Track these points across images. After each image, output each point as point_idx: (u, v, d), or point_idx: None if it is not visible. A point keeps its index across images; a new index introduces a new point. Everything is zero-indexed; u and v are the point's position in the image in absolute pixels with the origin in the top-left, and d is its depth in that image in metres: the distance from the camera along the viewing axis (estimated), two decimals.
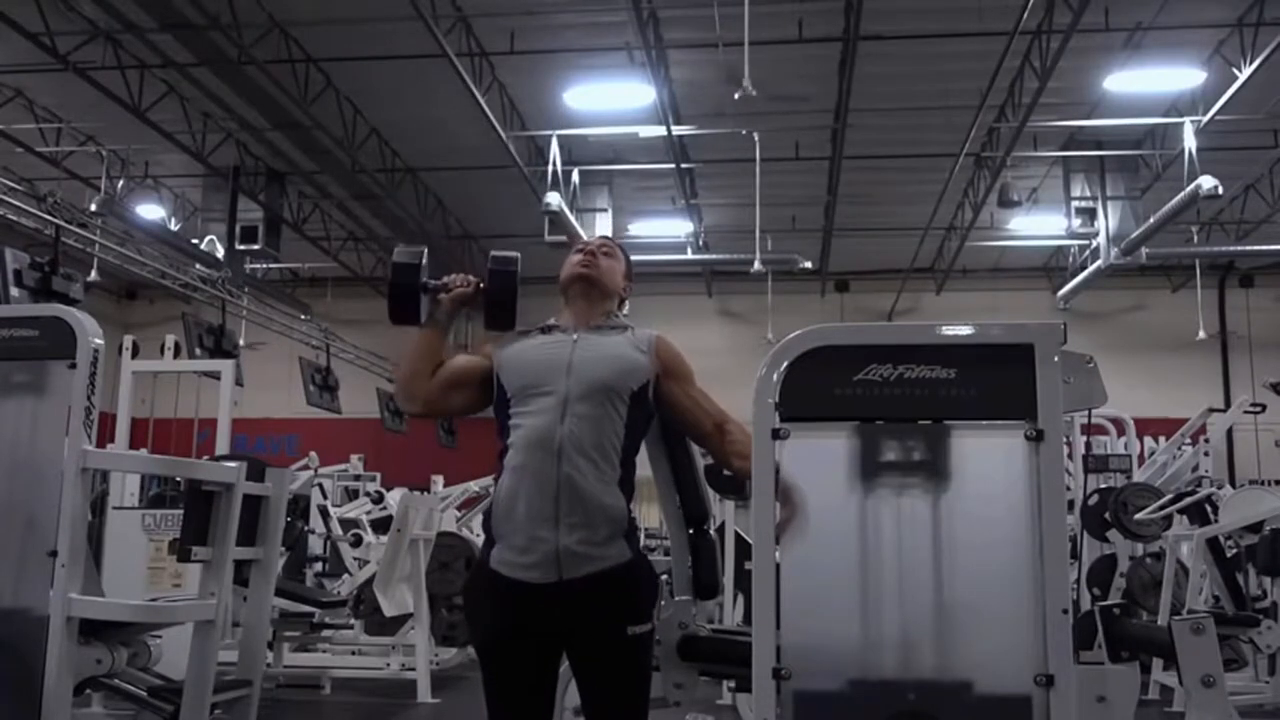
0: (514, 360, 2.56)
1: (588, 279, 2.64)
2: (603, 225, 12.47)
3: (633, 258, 2.85)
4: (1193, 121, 10.56)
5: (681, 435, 2.77)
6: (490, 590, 2.46)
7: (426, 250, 2.67)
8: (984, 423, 2.06)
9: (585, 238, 2.84)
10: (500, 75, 10.43)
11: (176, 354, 7.40)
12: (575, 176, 12.20)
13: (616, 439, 2.47)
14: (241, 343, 10.81)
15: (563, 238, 11.67)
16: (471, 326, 2.62)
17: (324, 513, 7.95)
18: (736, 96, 7.96)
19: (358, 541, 7.64)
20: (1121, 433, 8.79)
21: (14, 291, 5.97)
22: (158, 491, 7.30)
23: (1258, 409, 8.54)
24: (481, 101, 9.94)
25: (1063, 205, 12.81)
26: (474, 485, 9.28)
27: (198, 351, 8.11)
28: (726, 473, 3.15)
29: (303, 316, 14.97)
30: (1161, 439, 10.36)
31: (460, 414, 2.70)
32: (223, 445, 6.32)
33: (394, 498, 8.39)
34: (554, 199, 11.09)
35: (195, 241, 12.86)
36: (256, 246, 13.05)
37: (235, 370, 7.38)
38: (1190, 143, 10.64)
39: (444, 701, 6.58)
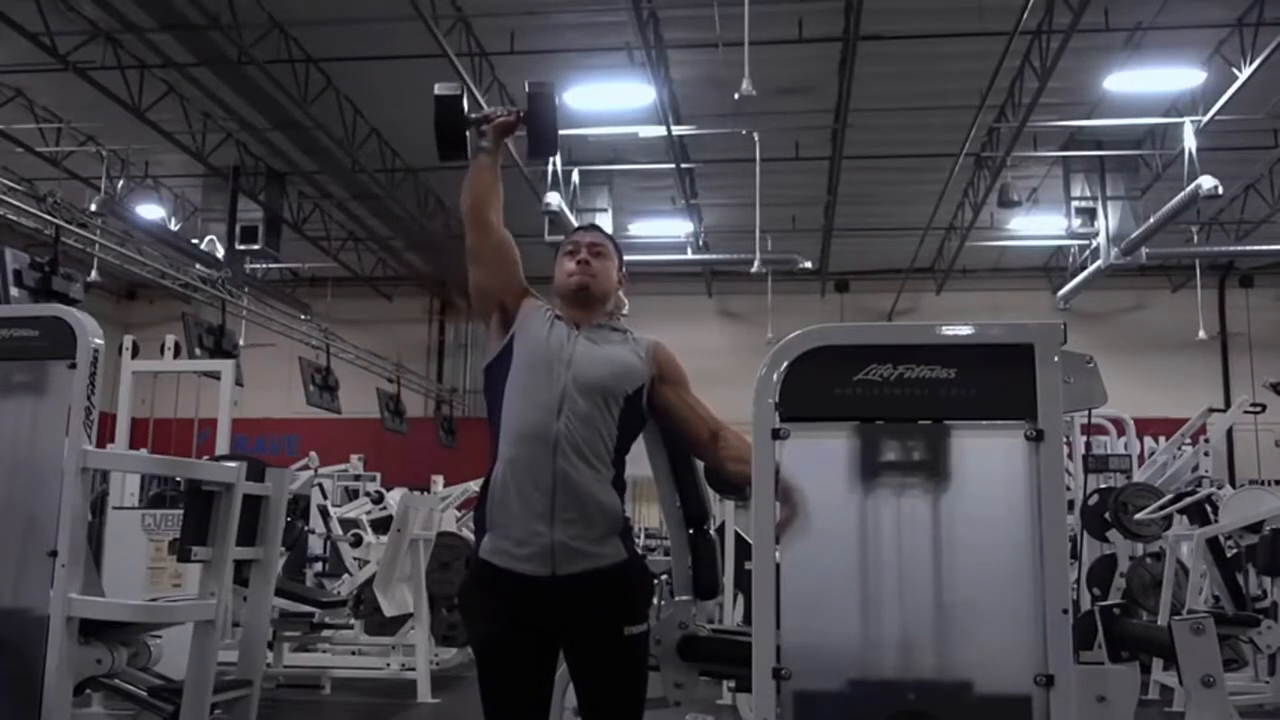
0: (532, 329, 2.56)
1: (585, 289, 2.63)
2: (602, 225, 12.46)
3: (633, 258, 2.85)
4: (1193, 121, 10.56)
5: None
6: (484, 584, 2.46)
7: (464, 87, 2.71)
8: (984, 423, 2.06)
9: (571, 230, 2.81)
10: (500, 75, 10.43)
11: (176, 354, 7.40)
12: (575, 176, 12.20)
13: (609, 439, 2.47)
14: (241, 343, 10.80)
15: (562, 238, 11.64)
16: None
17: (324, 513, 7.95)
18: (736, 96, 7.96)
19: (358, 541, 7.64)
20: (1121, 433, 8.78)
21: (14, 291, 5.98)
22: (158, 491, 7.30)
23: (1258, 409, 8.54)
24: (482, 101, 9.93)
25: (1063, 205, 12.82)
26: (474, 485, 9.26)
27: (198, 351, 8.12)
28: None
29: (303, 316, 14.96)
30: (1161, 439, 10.36)
31: (474, 280, 2.65)
32: (223, 445, 6.32)
33: (394, 498, 8.39)
34: (554, 199, 11.09)
35: (195, 241, 12.87)
36: (256, 246, 13.06)
37: (235, 370, 7.39)
38: (1190, 143, 10.64)
39: (444, 701, 6.58)
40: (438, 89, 2.68)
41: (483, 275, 2.64)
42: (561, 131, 10.16)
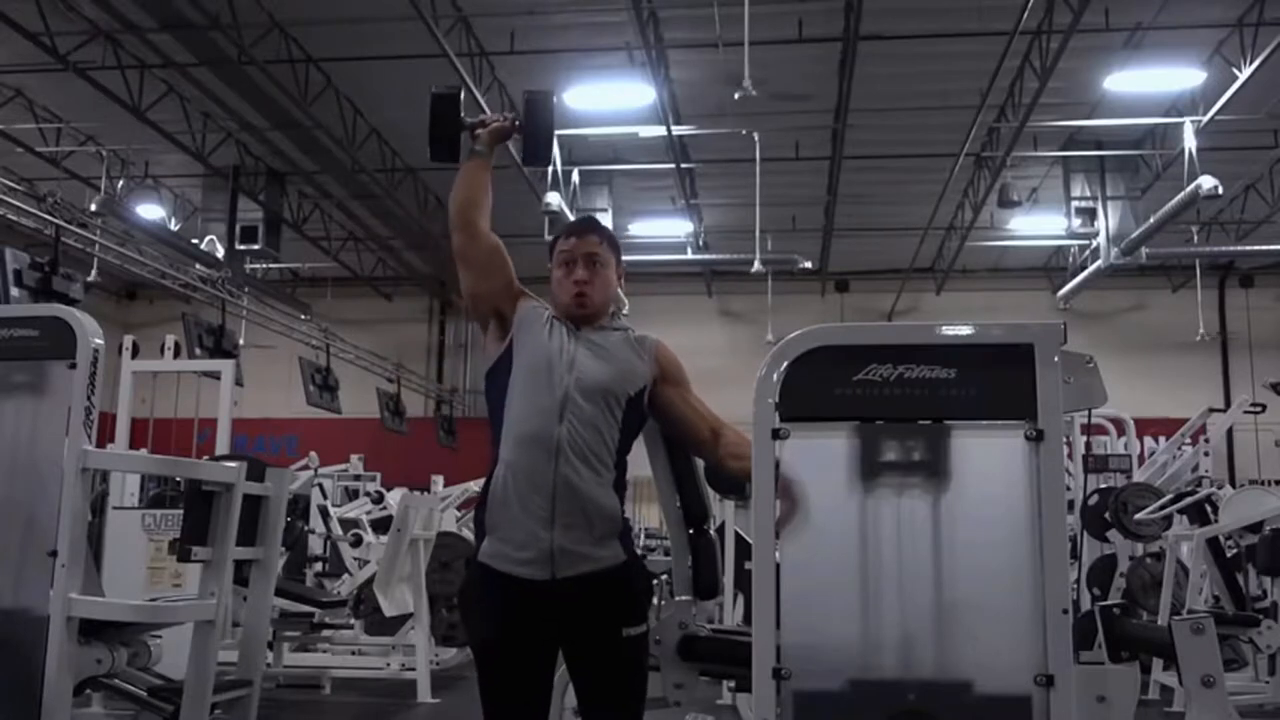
0: (530, 332, 2.54)
1: (585, 314, 2.59)
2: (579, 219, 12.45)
3: (633, 258, 2.84)
4: (1193, 121, 10.56)
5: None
6: (484, 586, 2.46)
7: (463, 89, 2.69)
8: (984, 423, 2.06)
9: (565, 228, 2.79)
10: (500, 75, 10.43)
11: (176, 354, 7.40)
12: (575, 176, 12.20)
13: (611, 441, 2.47)
14: (241, 343, 10.80)
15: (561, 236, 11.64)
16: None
17: (324, 513, 7.94)
18: (736, 96, 7.96)
19: (358, 541, 7.64)
20: (1121, 433, 8.79)
21: (14, 291, 5.97)
22: (158, 491, 7.29)
23: (1258, 409, 8.56)
24: (481, 102, 9.94)
25: (1063, 205, 12.81)
26: (474, 485, 9.26)
27: (198, 351, 8.12)
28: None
29: (303, 316, 14.96)
30: (1161, 439, 10.37)
31: (467, 287, 2.63)
32: (223, 445, 6.32)
33: (394, 498, 8.39)
34: (554, 199, 11.09)
35: (195, 241, 12.86)
36: (256, 246, 13.07)
37: (235, 370, 7.38)
38: (1190, 143, 10.64)
39: (444, 701, 6.58)
40: (435, 90, 2.67)
41: (474, 280, 2.62)
42: (561, 131, 10.12)
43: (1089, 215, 12.52)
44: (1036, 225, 14.29)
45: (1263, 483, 12.72)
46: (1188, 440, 8.78)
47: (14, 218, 9.79)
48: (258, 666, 3.50)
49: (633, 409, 2.52)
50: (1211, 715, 3.89)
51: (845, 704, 2.00)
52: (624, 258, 2.77)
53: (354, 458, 11.41)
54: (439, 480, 10.21)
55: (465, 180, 2.62)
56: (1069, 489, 5.64)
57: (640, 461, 2.61)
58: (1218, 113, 10.13)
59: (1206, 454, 8.46)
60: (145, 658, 3.33)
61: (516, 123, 2.66)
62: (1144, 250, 12.29)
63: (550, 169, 11.26)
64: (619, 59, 10.04)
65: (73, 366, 2.97)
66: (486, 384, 2.58)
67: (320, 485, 8.26)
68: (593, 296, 2.59)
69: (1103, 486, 7.49)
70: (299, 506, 7.71)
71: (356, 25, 9.55)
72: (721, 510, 5.69)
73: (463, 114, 2.66)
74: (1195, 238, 14.04)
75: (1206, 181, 10.18)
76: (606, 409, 2.47)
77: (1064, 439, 2.06)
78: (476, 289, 2.63)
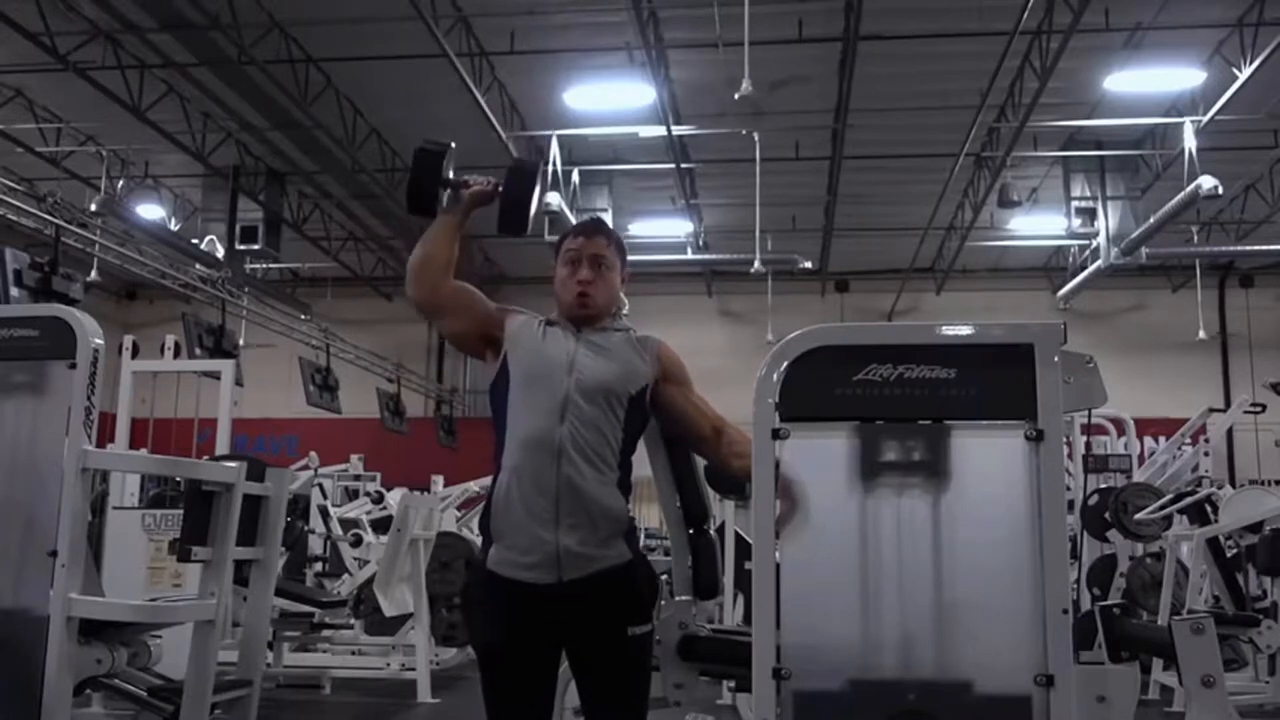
0: (524, 343, 2.54)
1: (587, 315, 2.59)
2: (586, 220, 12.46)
3: (633, 258, 2.83)
4: (1193, 121, 10.56)
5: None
6: (489, 592, 2.46)
7: (453, 145, 2.65)
8: (984, 423, 2.06)
9: (572, 230, 2.78)
10: (500, 75, 10.43)
11: (176, 354, 7.40)
12: (575, 176, 12.20)
13: (615, 441, 2.47)
14: (241, 343, 10.80)
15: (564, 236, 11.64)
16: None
17: (324, 513, 7.94)
18: (736, 96, 7.96)
19: (358, 541, 7.64)
20: (1121, 433, 8.78)
21: (14, 291, 5.97)
22: (158, 491, 7.28)
23: (1258, 409, 8.56)
24: (481, 101, 9.95)
25: (1063, 205, 12.81)
26: (474, 485, 9.28)
27: (198, 351, 8.12)
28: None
29: (303, 316, 14.96)
30: (1161, 439, 10.37)
31: (448, 331, 2.67)
32: (223, 445, 6.32)
33: (394, 498, 8.38)
34: (554, 199, 11.08)
35: (195, 241, 12.86)
36: (256, 246, 13.07)
37: (235, 370, 7.38)
38: (1190, 143, 10.64)
39: (444, 701, 6.58)
40: (424, 142, 2.63)
41: (453, 324, 2.64)
42: (561, 131, 10.09)
43: (1089, 215, 12.52)
44: (1036, 225, 14.29)
45: (1263, 483, 12.72)
46: (1188, 440, 8.78)
47: (14, 218, 9.78)
48: (258, 666, 3.50)
49: (635, 408, 2.52)
50: (1211, 715, 3.89)
51: (845, 704, 2.00)
52: (627, 256, 2.77)
53: (354, 458, 11.41)
54: (439, 480, 10.20)
55: (431, 238, 2.61)
56: (1069, 489, 5.65)
57: (640, 461, 2.61)
58: (1218, 113, 10.14)
59: (1206, 454, 8.46)
60: (145, 658, 3.33)
61: (498, 188, 2.63)
62: (1144, 250, 12.29)
63: (550, 169, 11.27)
64: (619, 59, 10.04)
65: (73, 366, 2.97)
66: (490, 399, 2.58)
67: (320, 485, 8.25)
68: (595, 297, 2.58)
69: (1103, 486, 7.49)
70: (299, 506, 7.71)
71: (356, 25, 9.55)
72: (721, 510, 5.69)
73: (447, 172, 2.63)
74: (1195, 238, 14.04)
75: (1206, 181, 10.18)
76: (608, 408, 2.47)
77: (1064, 439, 2.06)
78: (458, 329, 2.64)
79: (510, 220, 2.63)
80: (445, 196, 2.64)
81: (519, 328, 2.58)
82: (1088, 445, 8.17)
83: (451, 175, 2.64)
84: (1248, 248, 13.99)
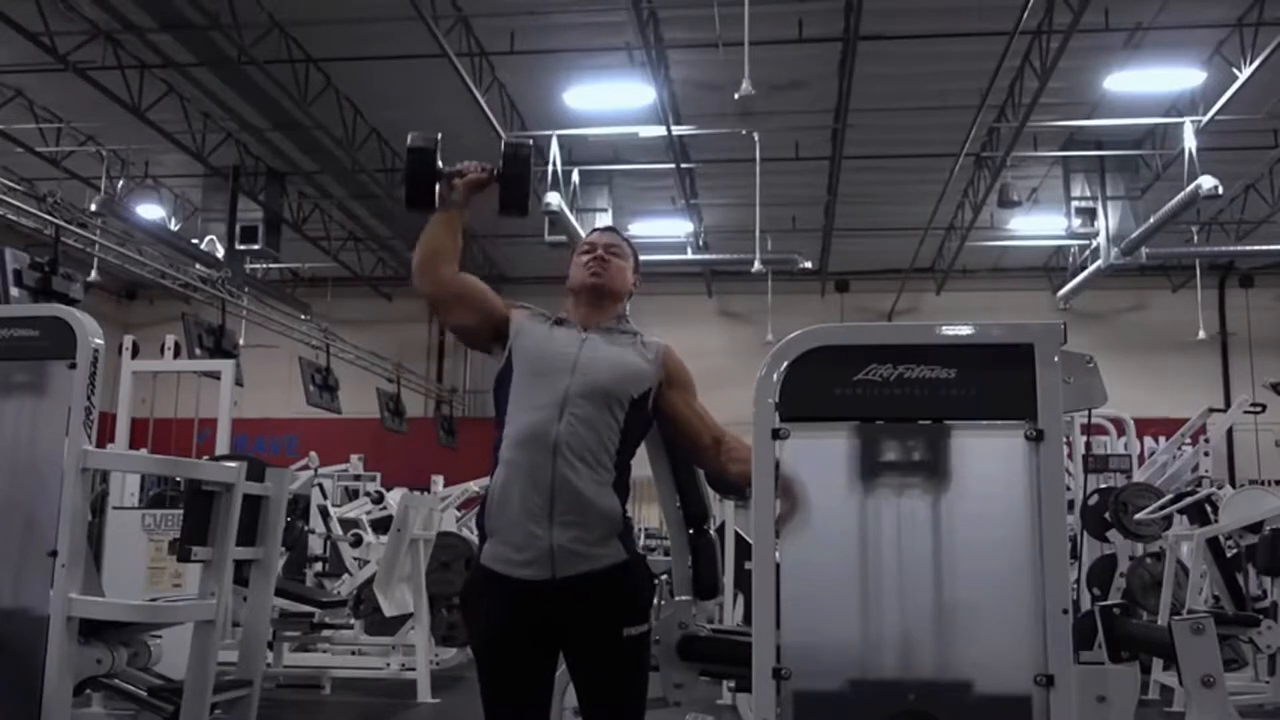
0: (530, 337, 2.55)
1: (599, 288, 2.61)
2: (603, 225, 12.47)
3: None
4: (1193, 121, 10.56)
5: None
6: (485, 588, 2.46)
7: (440, 136, 2.66)
8: (984, 423, 2.06)
9: (588, 231, 2.79)
10: (500, 75, 10.43)
11: (176, 354, 7.40)
12: (575, 176, 12.20)
13: (611, 443, 2.46)
14: (241, 343, 10.80)
15: (563, 238, 11.67)
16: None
17: (324, 513, 7.94)
18: (736, 96, 7.96)
19: (358, 541, 7.64)
20: (1121, 433, 8.78)
21: (14, 291, 5.98)
22: (158, 491, 7.29)
23: (1258, 409, 8.56)
24: (481, 101, 9.95)
25: (1063, 205, 12.81)
26: (474, 485, 9.27)
27: (198, 351, 8.12)
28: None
29: (303, 316, 14.96)
30: (1161, 439, 10.37)
31: (455, 325, 2.66)
32: (223, 445, 6.32)
33: (394, 498, 8.38)
34: (554, 199, 11.09)
35: (195, 241, 12.86)
36: (256, 246, 13.07)
37: (235, 370, 7.38)
38: (1190, 143, 10.64)
39: (444, 701, 6.58)
40: (411, 139, 2.64)
41: (460, 318, 2.63)
42: (561, 131, 10.10)
43: (1089, 215, 12.52)
44: (1036, 225, 14.29)
45: (1263, 483, 12.72)
46: (1188, 440, 8.79)
47: (14, 218, 9.79)
48: (258, 666, 3.50)
49: (636, 411, 2.52)
50: (1211, 715, 3.89)
51: (845, 704, 2.00)
52: (639, 260, 2.80)
53: (354, 458, 11.41)
54: (439, 480, 10.20)
55: (434, 231, 2.62)
56: (1069, 489, 5.65)
57: (641, 462, 2.61)
58: (1218, 113, 10.13)
59: (1206, 454, 8.46)
60: (145, 658, 3.33)
61: (494, 173, 2.64)
62: (1144, 250, 12.29)
63: (550, 169, 11.27)
64: (619, 59, 10.04)
65: (73, 366, 2.97)
66: (494, 393, 2.59)
67: (320, 485, 8.25)
68: (608, 271, 2.61)
69: (1103, 486, 7.48)
70: (299, 506, 7.70)
71: (356, 25, 9.55)
72: (721, 510, 5.69)
73: (439, 164, 2.64)
74: (1195, 238, 14.05)
75: (1206, 181, 10.18)
76: (607, 410, 2.46)
77: (1064, 439, 2.06)
78: (463, 323, 2.64)
79: (512, 201, 2.66)
80: (442, 189, 2.64)
81: (526, 322, 2.59)
82: (1088, 445, 8.17)
83: (443, 166, 2.66)
84: (1248, 248, 13.99)
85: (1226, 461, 14.59)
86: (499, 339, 2.59)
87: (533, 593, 2.38)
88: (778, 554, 2.02)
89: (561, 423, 2.41)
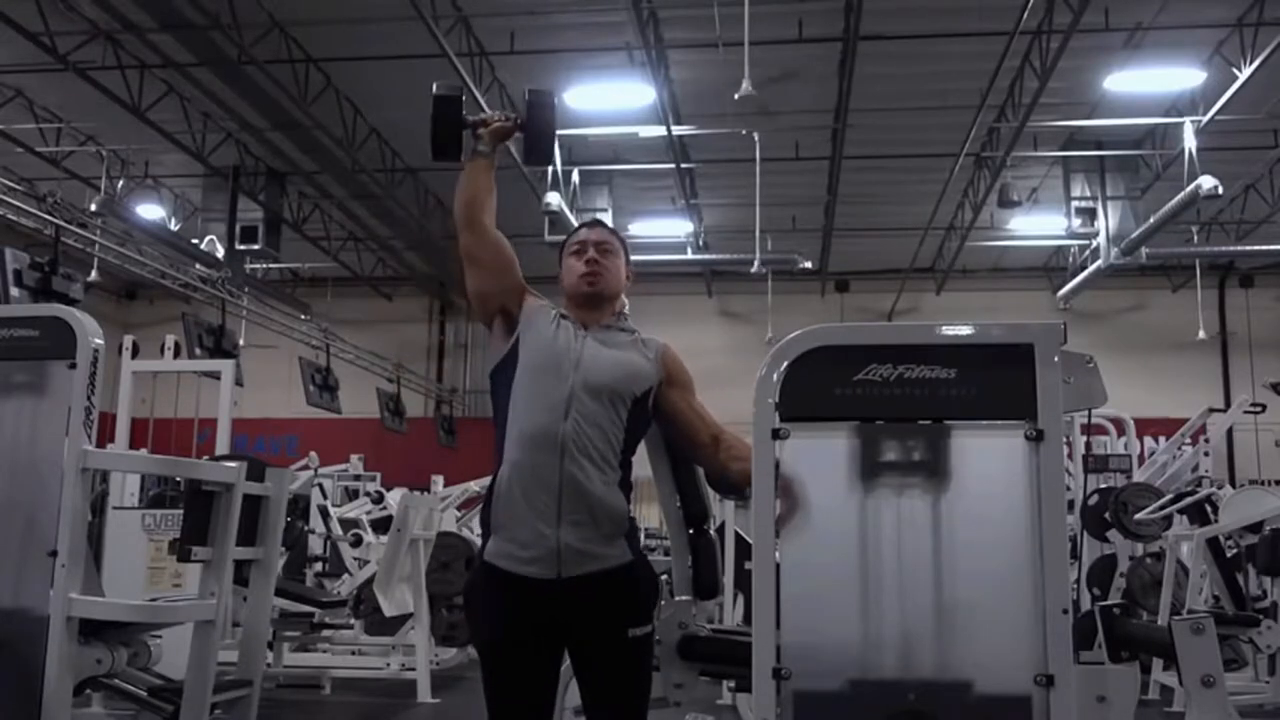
0: (537, 329, 2.55)
1: (597, 294, 2.61)
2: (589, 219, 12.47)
3: (633, 258, 2.84)
4: (1193, 121, 10.56)
5: None
6: (489, 585, 2.46)
7: (464, 89, 2.70)
8: (984, 423, 2.06)
9: (577, 224, 2.80)
10: (500, 75, 10.43)
11: (176, 354, 7.40)
12: (575, 176, 12.21)
13: (616, 441, 2.47)
14: (241, 343, 10.81)
15: (562, 238, 11.65)
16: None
17: (324, 513, 7.94)
18: (736, 96, 7.96)
19: (358, 541, 7.64)
20: (1121, 433, 8.78)
21: (14, 291, 5.98)
22: (158, 491, 7.29)
23: (1258, 409, 8.56)
24: (482, 102, 9.94)
25: (1063, 205, 12.82)
26: (474, 485, 9.27)
27: (198, 351, 8.13)
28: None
29: (303, 316, 14.96)
30: (1161, 439, 10.38)
31: (474, 286, 2.62)
32: (223, 445, 6.32)
33: (394, 498, 8.38)
34: (554, 199, 11.09)
35: (195, 241, 12.87)
36: (256, 246, 13.07)
37: (235, 370, 7.38)
38: (1190, 143, 10.64)
39: (444, 701, 6.58)
40: (436, 88, 2.67)
41: (481, 279, 2.62)
42: (561, 131, 10.09)
43: (1089, 215, 12.52)
44: (1036, 225, 14.29)
45: (1263, 483, 12.73)
46: (1188, 440, 8.79)
47: (14, 218, 9.80)
48: (258, 666, 3.50)
49: (638, 410, 2.52)
50: (1211, 715, 3.89)
51: (845, 704, 2.00)
52: (630, 254, 2.79)
53: (354, 458, 11.42)
54: (439, 480, 10.20)
55: (469, 180, 2.63)
56: (1069, 489, 5.65)
57: (641, 461, 2.61)
58: (1218, 113, 10.13)
59: (1206, 454, 8.46)
60: (145, 658, 3.33)
61: (518, 122, 2.67)
62: (1144, 250, 12.29)
63: (550, 169, 11.27)
64: (619, 59, 10.04)
65: (73, 366, 2.97)
66: (492, 382, 2.58)
67: (320, 485, 8.25)
68: (603, 275, 2.61)
69: (1103, 486, 7.48)
70: (299, 506, 7.70)
71: (356, 25, 9.55)
72: (721, 510, 5.69)
73: (464, 113, 2.66)
74: (1195, 238, 14.05)
75: (1206, 181, 10.18)
76: (611, 408, 2.47)
77: (1064, 439, 2.06)
78: (483, 287, 2.62)
79: (536, 148, 2.70)
80: (467, 138, 2.66)
81: (536, 312, 2.59)
82: (1088, 445, 8.16)
83: (468, 116, 2.68)
84: (1248, 248, 13.99)
85: (1226, 461, 14.59)
86: (505, 318, 2.59)
87: (538, 591, 2.38)
88: (778, 554, 2.02)
89: (567, 422, 2.41)
